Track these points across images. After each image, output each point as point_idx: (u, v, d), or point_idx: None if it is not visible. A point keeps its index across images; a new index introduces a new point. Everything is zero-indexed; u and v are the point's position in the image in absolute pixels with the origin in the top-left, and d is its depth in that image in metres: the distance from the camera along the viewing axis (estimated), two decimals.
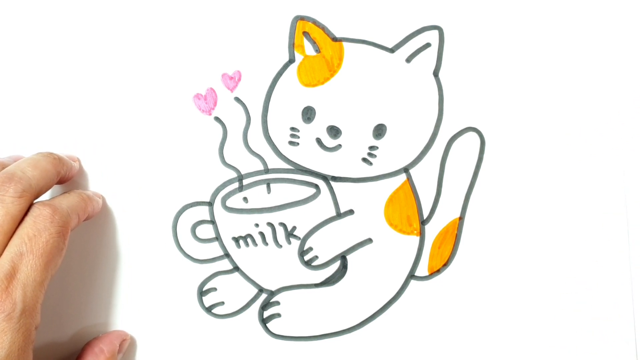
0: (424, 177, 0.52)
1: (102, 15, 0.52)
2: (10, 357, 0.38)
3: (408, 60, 0.51)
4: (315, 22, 0.51)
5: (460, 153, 0.52)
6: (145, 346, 0.52)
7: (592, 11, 0.52)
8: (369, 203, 0.51)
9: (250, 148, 0.51)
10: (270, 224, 0.51)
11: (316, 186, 0.51)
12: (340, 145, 0.51)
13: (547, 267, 0.52)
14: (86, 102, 0.52)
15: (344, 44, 0.51)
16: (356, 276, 0.52)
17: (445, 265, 0.52)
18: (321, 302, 0.52)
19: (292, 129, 0.51)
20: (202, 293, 0.52)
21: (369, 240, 0.52)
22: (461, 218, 0.52)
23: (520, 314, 0.52)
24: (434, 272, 0.52)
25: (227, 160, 0.51)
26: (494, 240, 0.52)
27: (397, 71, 0.51)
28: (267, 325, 0.52)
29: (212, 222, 0.52)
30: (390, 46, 0.51)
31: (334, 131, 0.51)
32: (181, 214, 0.51)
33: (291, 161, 0.51)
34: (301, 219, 0.51)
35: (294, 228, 0.51)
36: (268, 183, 0.51)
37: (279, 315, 0.52)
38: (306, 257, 0.51)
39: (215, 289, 0.52)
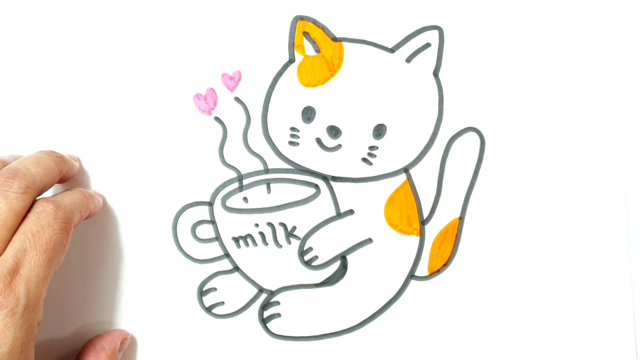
0: (424, 177, 0.52)
1: (102, 15, 0.52)
2: (13, 353, 0.38)
3: (408, 60, 0.51)
4: (315, 22, 0.51)
5: (460, 153, 0.52)
6: (146, 346, 0.52)
7: (592, 11, 0.52)
8: (369, 203, 0.51)
9: (250, 148, 0.51)
10: (270, 224, 0.51)
11: (316, 186, 0.51)
12: (340, 145, 0.51)
13: (547, 267, 0.52)
14: (86, 102, 0.52)
15: (344, 44, 0.51)
16: (356, 276, 0.52)
17: (445, 265, 0.52)
18: (321, 302, 0.52)
19: (292, 129, 0.51)
20: (202, 293, 0.52)
21: (369, 240, 0.52)
22: (461, 218, 0.52)
23: (520, 313, 0.52)
24: (434, 272, 0.52)
25: (227, 160, 0.51)
26: (494, 240, 0.52)
27: (397, 71, 0.51)
28: (267, 325, 0.52)
29: (212, 222, 0.52)
30: (390, 46, 0.51)
31: (334, 131, 0.51)
32: (181, 214, 0.51)
33: (291, 161, 0.51)
34: (301, 219, 0.51)
35: (294, 228, 0.51)
36: (268, 183, 0.51)
37: (279, 315, 0.52)
38: (306, 257, 0.51)
39: (215, 289, 0.52)
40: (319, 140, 0.51)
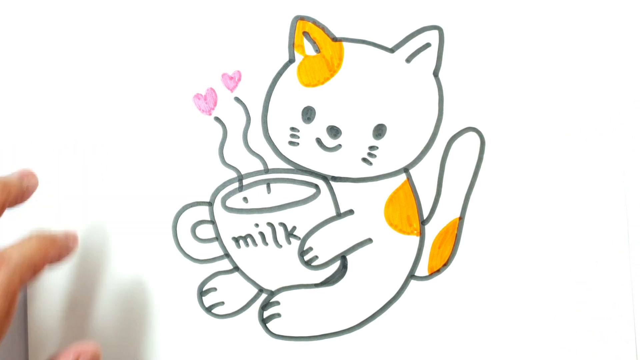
0: (424, 177, 0.52)
1: (102, 15, 0.52)
2: None
3: (408, 60, 0.51)
4: (315, 22, 0.51)
5: (460, 153, 0.52)
6: (146, 346, 0.52)
7: (592, 11, 0.52)
8: (369, 203, 0.51)
9: (250, 148, 0.51)
10: (270, 224, 0.51)
11: (316, 186, 0.51)
12: (340, 145, 0.51)
13: (547, 267, 0.52)
14: (86, 102, 0.52)
15: (344, 44, 0.51)
16: (356, 276, 0.52)
17: (445, 265, 0.52)
18: (321, 302, 0.52)
19: (292, 129, 0.51)
20: (202, 293, 0.52)
21: (369, 240, 0.52)
22: (461, 218, 0.52)
23: (520, 313, 0.52)
24: (434, 272, 0.52)
25: (227, 160, 0.51)
26: (494, 240, 0.52)
27: (397, 71, 0.51)
28: (267, 325, 0.52)
29: (212, 222, 0.52)
30: (390, 46, 0.51)
31: (334, 131, 0.51)
32: (181, 214, 0.51)
33: (291, 161, 0.51)
34: (301, 219, 0.51)
35: (294, 228, 0.51)
36: (268, 183, 0.51)
37: (279, 315, 0.52)
38: (306, 257, 0.51)
39: (215, 289, 0.52)
40: (319, 140, 0.51)
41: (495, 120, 0.52)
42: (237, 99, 0.51)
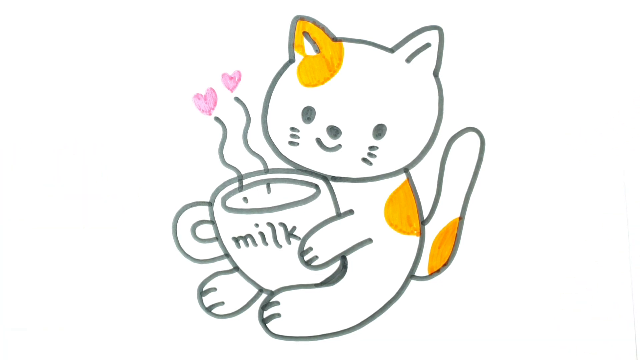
0: (424, 177, 0.52)
1: (102, 16, 0.52)
2: None
3: (408, 60, 0.51)
4: (315, 22, 0.51)
5: (460, 153, 0.52)
6: (146, 346, 0.52)
7: (592, 11, 0.52)
8: (369, 203, 0.51)
9: (250, 148, 0.51)
10: (270, 224, 0.51)
11: (316, 186, 0.51)
12: (340, 145, 0.51)
13: (547, 267, 0.52)
14: (86, 102, 0.52)
15: (344, 44, 0.51)
16: (356, 276, 0.52)
17: (445, 265, 0.52)
18: (321, 302, 0.52)
19: (292, 129, 0.51)
20: (202, 293, 0.52)
21: (369, 240, 0.52)
22: (461, 218, 0.52)
23: (520, 313, 0.52)
24: (434, 272, 0.52)
25: (227, 160, 0.51)
26: (494, 240, 0.52)
27: (397, 71, 0.51)
28: (267, 325, 0.52)
29: (212, 222, 0.52)
30: (390, 46, 0.51)
31: (334, 131, 0.51)
32: (181, 214, 0.51)
33: (291, 161, 0.51)
34: (301, 219, 0.51)
35: (294, 228, 0.51)
36: (268, 183, 0.51)
37: (279, 315, 0.52)
38: (306, 257, 0.51)
39: (215, 289, 0.52)
40: (319, 140, 0.51)
41: (495, 120, 0.52)
42: (237, 99, 0.51)
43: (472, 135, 0.52)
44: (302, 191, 0.51)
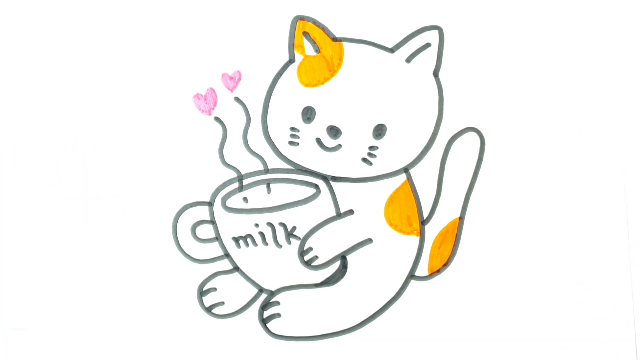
0: (424, 177, 0.52)
1: (103, 16, 0.52)
2: None
3: (408, 60, 0.51)
4: (315, 22, 0.51)
5: (460, 153, 0.52)
6: (146, 346, 0.52)
7: (592, 11, 0.52)
8: (369, 203, 0.51)
9: (250, 148, 0.51)
10: (270, 224, 0.51)
11: (316, 186, 0.51)
12: (340, 145, 0.51)
13: (547, 267, 0.52)
14: (86, 102, 0.52)
15: (344, 44, 0.51)
16: (356, 276, 0.52)
17: (445, 265, 0.52)
18: (321, 302, 0.52)
19: (292, 129, 0.51)
20: (202, 293, 0.52)
21: (369, 240, 0.52)
22: (461, 218, 0.52)
23: (520, 313, 0.52)
24: (434, 272, 0.52)
25: (227, 160, 0.51)
26: (494, 240, 0.52)
27: (397, 71, 0.51)
28: (267, 325, 0.52)
29: (212, 222, 0.52)
30: (390, 46, 0.51)
31: (334, 131, 0.51)
32: (181, 214, 0.51)
33: (291, 161, 0.51)
34: (301, 219, 0.51)
35: (294, 228, 0.51)
36: (268, 183, 0.51)
37: (279, 315, 0.52)
38: (306, 257, 0.51)
39: (215, 289, 0.52)
40: (319, 140, 0.51)
41: (495, 120, 0.52)
42: (237, 99, 0.51)
43: (472, 135, 0.52)
44: (302, 191, 0.51)
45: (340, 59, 0.51)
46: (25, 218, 0.52)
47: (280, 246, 0.51)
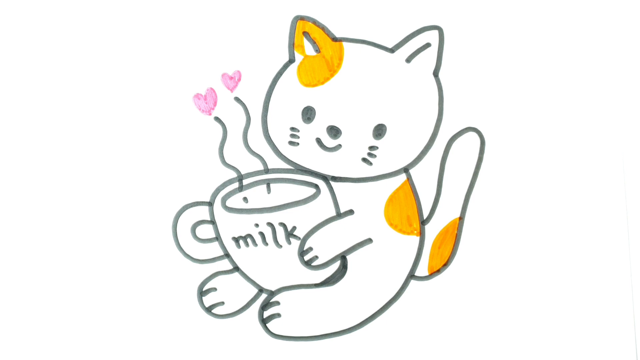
0: (424, 177, 0.52)
1: (103, 16, 0.52)
2: None
3: (408, 60, 0.51)
4: (315, 22, 0.51)
5: (460, 153, 0.52)
6: (146, 346, 0.52)
7: (592, 11, 0.52)
8: (369, 203, 0.51)
9: (250, 148, 0.51)
10: (270, 224, 0.51)
11: (316, 186, 0.51)
12: (340, 145, 0.51)
13: (547, 267, 0.52)
14: (87, 102, 0.52)
15: (344, 44, 0.51)
16: (356, 276, 0.52)
17: (445, 265, 0.52)
18: (321, 302, 0.52)
19: (292, 129, 0.51)
20: (202, 293, 0.52)
21: (369, 240, 0.52)
22: (461, 218, 0.52)
23: (520, 313, 0.52)
24: (434, 272, 0.52)
25: (227, 160, 0.51)
26: (494, 240, 0.52)
27: (397, 71, 0.51)
28: (267, 325, 0.52)
29: (212, 222, 0.52)
30: (390, 46, 0.51)
31: (334, 131, 0.51)
32: (181, 214, 0.51)
33: (291, 161, 0.51)
34: (301, 219, 0.51)
35: (294, 228, 0.51)
36: (268, 183, 0.51)
37: (279, 315, 0.52)
38: (306, 257, 0.51)
39: (215, 289, 0.52)
40: (319, 140, 0.51)
41: (495, 120, 0.52)
42: (237, 99, 0.51)
43: (472, 135, 0.52)
44: (302, 191, 0.51)
45: (340, 59, 0.51)
46: (24, 217, 0.52)
47: (280, 246, 0.51)
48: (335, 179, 0.51)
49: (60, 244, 0.52)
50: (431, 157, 0.52)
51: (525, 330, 0.52)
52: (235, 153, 0.51)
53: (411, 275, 0.52)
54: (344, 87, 0.51)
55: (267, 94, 0.51)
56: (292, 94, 0.51)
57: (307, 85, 0.51)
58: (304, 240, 0.51)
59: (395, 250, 0.52)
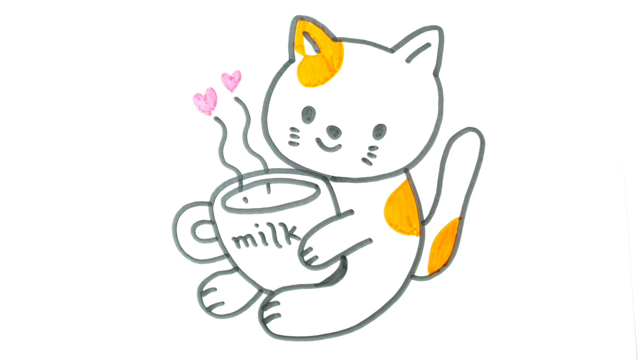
0: (424, 177, 0.52)
1: (103, 15, 0.52)
2: None
3: (408, 60, 0.51)
4: (315, 22, 0.51)
5: (460, 153, 0.52)
6: (146, 346, 0.52)
7: (592, 11, 0.52)
8: (369, 203, 0.51)
9: (250, 148, 0.51)
10: (270, 224, 0.51)
11: (316, 186, 0.51)
12: (340, 145, 0.51)
13: (547, 267, 0.52)
14: (87, 102, 0.52)
15: (344, 44, 0.51)
16: (356, 276, 0.52)
17: (445, 265, 0.52)
18: (321, 302, 0.52)
19: (292, 129, 0.51)
20: (202, 293, 0.52)
21: (369, 240, 0.52)
22: (461, 218, 0.52)
23: (520, 313, 0.52)
24: (434, 272, 0.52)
25: (227, 160, 0.51)
26: (494, 240, 0.52)
27: (397, 71, 0.51)
28: (267, 325, 0.52)
29: (212, 222, 0.52)
30: (390, 46, 0.51)
31: (334, 131, 0.51)
32: (181, 214, 0.51)
33: (291, 161, 0.51)
34: (301, 219, 0.51)
35: (294, 228, 0.51)
36: (268, 183, 0.51)
37: (279, 315, 0.52)
38: (306, 257, 0.51)
39: (215, 289, 0.52)
40: (319, 140, 0.51)
41: (495, 120, 0.52)
42: (237, 99, 0.51)
43: (472, 135, 0.52)
44: (302, 191, 0.51)
45: (340, 59, 0.51)
46: (24, 217, 0.52)
47: (280, 246, 0.51)
48: (335, 179, 0.51)
49: (60, 244, 0.52)
50: (431, 157, 0.52)
51: (526, 330, 0.52)
52: (235, 153, 0.51)
53: (411, 275, 0.52)
54: (344, 87, 0.51)
55: (267, 94, 0.51)
56: (292, 94, 0.51)
57: (307, 85, 0.51)
58: (304, 240, 0.51)
59: (395, 250, 0.52)
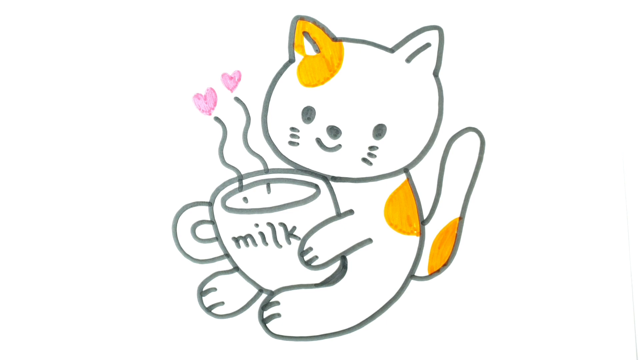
0: (424, 177, 0.52)
1: (103, 15, 0.52)
2: None
3: (408, 60, 0.51)
4: (315, 22, 0.51)
5: (460, 153, 0.52)
6: (146, 346, 0.52)
7: (592, 11, 0.52)
8: (369, 203, 0.51)
9: (250, 148, 0.51)
10: (270, 224, 0.51)
11: (316, 186, 0.51)
12: (340, 145, 0.51)
13: (547, 267, 0.52)
14: (87, 102, 0.52)
15: (344, 44, 0.51)
16: (356, 276, 0.52)
17: (445, 265, 0.52)
18: (321, 302, 0.52)
19: (292, 129, 0.51)
20: (202, 293, 0.52)
21: (369, 240, 0.52)
22: (461, 218, 0.52)
23: (520, 313, 0.52)
24: (434, 272, 0.52)
25: (227, 160, 0.51)
26: (494, 240, 0.52)
27: (397, 71, 0.51)
28: (267, 325, 0.52)
29: (212, 222, 0.52)
30: (390, 46, 0.51)
31: (334, 131, 0.51)
32: (181, 214, 0.51)
33: (291, 161, 0.51)
34: (301, 219, 0.51)
35: (294, 228, 0.51)
36: (268, 183, 0.51)
37: (279, 315, 0.52)
38: (306, 257, 0.51)
39: (215, 289, 0.52)
40: (319, 140, 0.51)
41: (495, 120, 0.52)
42: (237, 99, 0.51)
43: (472, 135, 0.52)
44: (302, 191, 0.51)
45: (340, 59, 0.51)
46: (24, 217, 0.52)
47: (280, 246, 0.51)
48: (335, 179, 0.51)
49: (60, 244, 0.52)
50: (431, 157, 0.52)
51: (526, 330, 0.52)
52: (235, 153, 0.51)
53: (411, 275, 0.52)
54: (344, 87, 0.51)
55: (267, 94, 0.51)
56: (292, 94, 0.51)
57: (307, 85, 0.51)
58: (304, 240, 0.51)
59: (395, 250, 0.52)
